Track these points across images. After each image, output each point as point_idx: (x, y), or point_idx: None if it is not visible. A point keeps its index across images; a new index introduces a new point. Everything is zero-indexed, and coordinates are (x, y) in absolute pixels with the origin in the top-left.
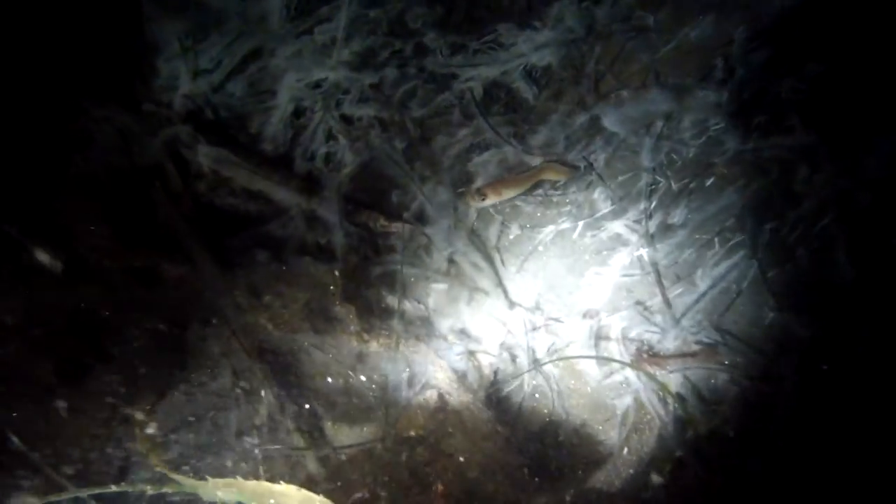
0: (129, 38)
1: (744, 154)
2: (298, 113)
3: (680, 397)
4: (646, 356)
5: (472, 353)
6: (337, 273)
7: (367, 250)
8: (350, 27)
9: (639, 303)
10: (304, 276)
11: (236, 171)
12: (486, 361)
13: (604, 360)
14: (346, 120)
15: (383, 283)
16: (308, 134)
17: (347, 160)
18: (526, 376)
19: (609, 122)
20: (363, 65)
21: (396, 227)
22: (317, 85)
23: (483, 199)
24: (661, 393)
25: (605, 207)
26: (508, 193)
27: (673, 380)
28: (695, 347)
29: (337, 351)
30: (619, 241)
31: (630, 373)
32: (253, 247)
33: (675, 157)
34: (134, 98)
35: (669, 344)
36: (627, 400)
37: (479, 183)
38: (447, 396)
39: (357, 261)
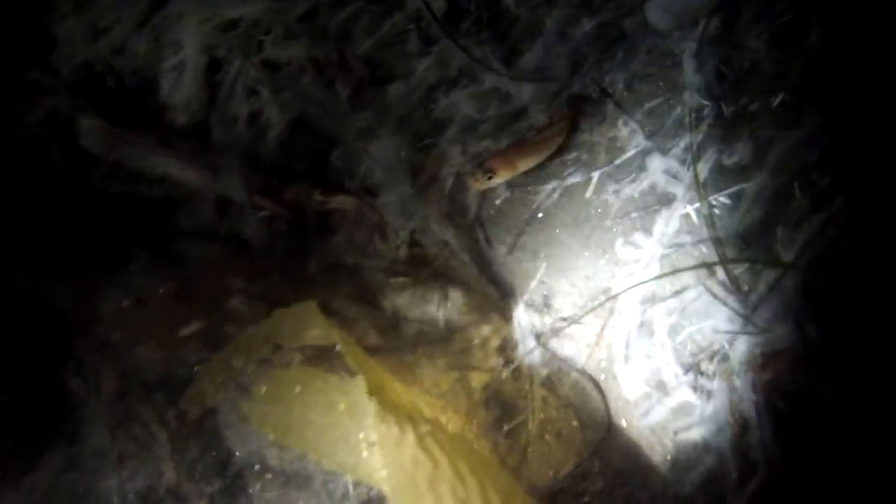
0: None
1: (829, 55)
2: (215, 67)
3: None
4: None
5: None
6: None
7: (298, 237)
8: None
9: (690, 287)
10: (206, 283)
11: (128, 150)
12: (477, 383)
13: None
14: (271, 66)
15: (321, 283)
16: (225, 91)
17: (274, 119)
18: (535, 403)
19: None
20: None
21: (337, 201)
22: (231, 26)
23: (491, 177)
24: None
25: (630, 148)
26: (526, 163)
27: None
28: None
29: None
30: (654, 195)
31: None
32: (141, 249)
33: (724, 69)
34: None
35: (742, 346)
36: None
37: (475, 150)
38: None
39: (282, 254)
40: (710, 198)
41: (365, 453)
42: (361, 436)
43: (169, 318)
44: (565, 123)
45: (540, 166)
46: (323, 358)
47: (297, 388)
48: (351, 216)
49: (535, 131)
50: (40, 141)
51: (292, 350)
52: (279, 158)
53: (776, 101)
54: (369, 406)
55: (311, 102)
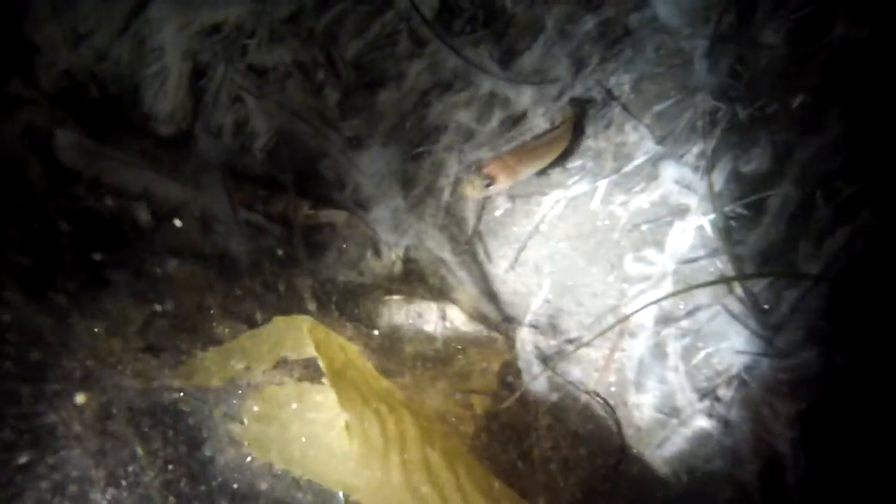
0: None
1: (853, 50)
2: (200, 73)
3: None
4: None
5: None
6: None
7: (286, 254)
8: None
9: (705, 306)
10: (187, 304)
11: (107, 165)
12: (479, 408)
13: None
14: (257, 72)
15: (312, 302)
16: (209, 99)
17: (260, 128)
18: (540, 431)
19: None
20: None
21: (327, 215)
22: (214, 30)
23: (490, 184)
24: None
25: (639, 155)
26: (527, 170)
27: None
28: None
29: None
30: (666, 206)
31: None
32: (119, 269)
33: (739, 68)
34: None
35: (763, 371)
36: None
37: (472, 159)
38: None
39: (270, 271)
40: (727, 208)
41: (366, 473)
42: (364, 454)
43: (146, 345)
44: (568, 126)
45: (542, 174)
46: (321, 372)
47: (295, 405)
48: (341, 231)
49: (535, 136)
50: (19, 155)
51: (290, 363)
52: (266, 170)
53: (796, 103)
54: (373, 424)
55: (299, 109)
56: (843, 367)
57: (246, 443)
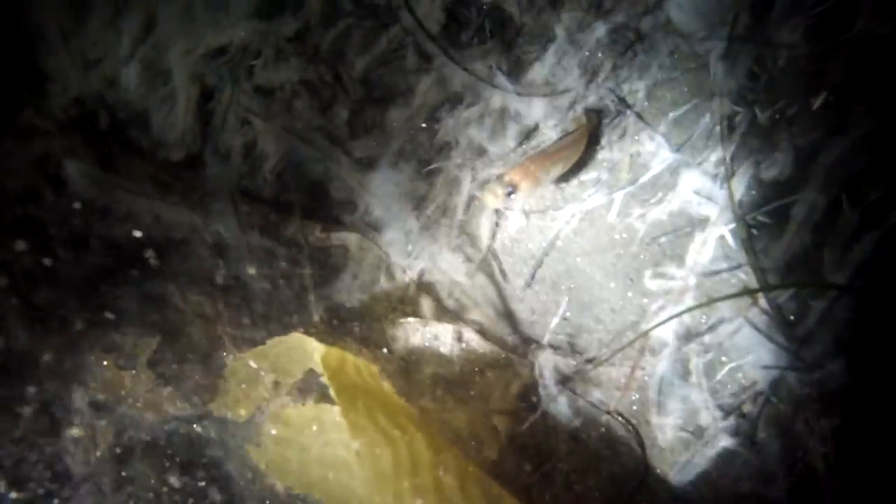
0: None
1: (875, 46)
2: (207, 96)
3: None
4: None
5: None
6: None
7: (299, 278)
8: None
9: (728, 320)
10: (197, 332)
11: (115, 194)
12: (499, 430)
13: None
14: (264, 92)
15: (326, 326)
16: (218, 122)
17: (269, 150)
18: (561, 454)
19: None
20: (274, 8)
21: (339, 238)
22: (219, 52)
23: (512, 192)
24: None
25: (655, 164)
26: (548, 176)
27: None
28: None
29: None
30: (685, 217)
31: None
32: (130, 298)
33: (757, 69)
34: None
35: (790, 386)
36: None
37: (485, 175)
38: None
39: (283, 296)
40: (748, 217)
41: (377, 499)
42: (375, 480)
43: (156, 376)
44: (584, 131)
45: (556, 188)
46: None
47: (315, 427)
48: (354, 254)
49: (553, 142)
50: (32, 186)
51: (309, 384)
52: (276, 192)
53: (817, 103)
54: (385, 450)
55: (307, 130)
56: (874, 379)
57: (265, 467)
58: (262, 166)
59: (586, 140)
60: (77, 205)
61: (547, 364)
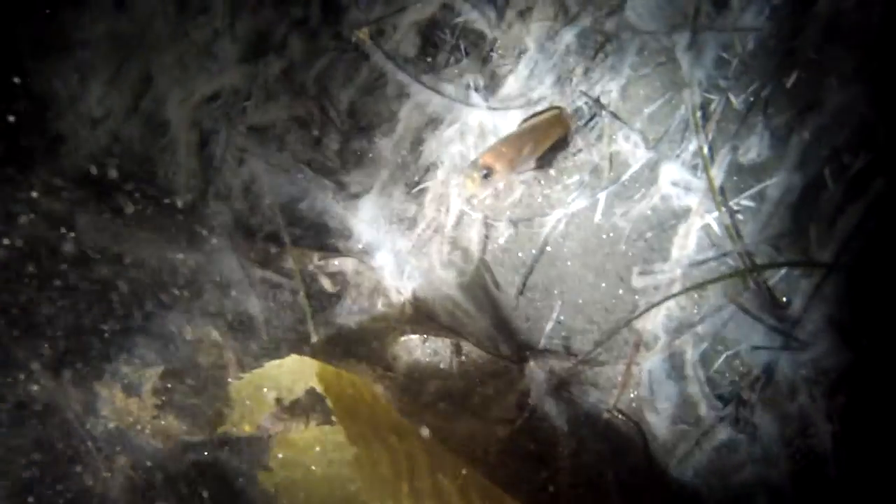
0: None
1: (842, 17)
2: (205, 140)
3: None
4: None
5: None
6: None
7: (298, 306)
8: (231, 9)
9: (720, 308)
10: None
11: (125, 244)
12: (501, 436)
13: None
14: (257, 131)
15: (330, 350)
16: (217, 164)
17: (265, 186)
18: (562, 455)
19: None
20: (258, 51)
21: (336, 265)
22: (213, 98)
23: (488, 174)
24: None
25: (634, 161)
26: (523, 156)
27: None
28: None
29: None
30: (668, 210)
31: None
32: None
33: (725, 55)
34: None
35: (786, 367)
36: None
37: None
38: None
39: (288, 325)
40: (731, 203)
41: None
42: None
43: (162, 404)
44: (558, 115)
45: (542, 195)
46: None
47: (318, 448)
48: (351, 278)
49: (524, 119)
50: (46, 240)
51: (308, 408)
52: (275, 227)
53: (790, 81)
54: (383, 454)
55: (299, 163)
56: (869, 352)
57: (273, 490)
58: (260, 203)
59: (563, 128)
60: (89, 252)
61: (544, 369)
